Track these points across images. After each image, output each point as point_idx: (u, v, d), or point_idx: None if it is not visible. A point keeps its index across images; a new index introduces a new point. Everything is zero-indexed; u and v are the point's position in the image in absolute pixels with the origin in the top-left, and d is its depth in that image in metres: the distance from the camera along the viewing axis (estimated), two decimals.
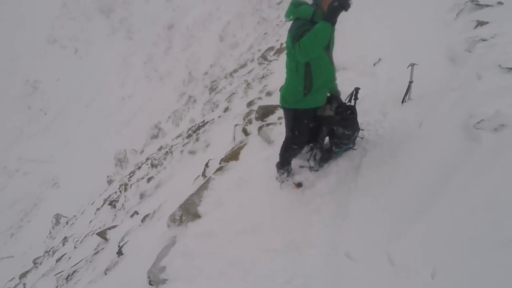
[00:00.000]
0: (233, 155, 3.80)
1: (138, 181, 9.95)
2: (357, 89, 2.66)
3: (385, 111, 3.10)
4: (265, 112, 4.52)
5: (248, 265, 2.19)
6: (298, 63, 2.15)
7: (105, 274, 3.94)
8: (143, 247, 3.50)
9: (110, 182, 17.57)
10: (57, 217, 16.10)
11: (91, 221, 10.03)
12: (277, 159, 2.82)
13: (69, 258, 7.06)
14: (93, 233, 7.19)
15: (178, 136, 13.48)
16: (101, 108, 41.15)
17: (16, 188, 33.04)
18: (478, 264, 1.26)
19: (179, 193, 4.14)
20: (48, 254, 10.53)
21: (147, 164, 12.09)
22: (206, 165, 4.44)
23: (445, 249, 1.44)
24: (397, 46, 4.20)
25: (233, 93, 10.54)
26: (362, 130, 2.81)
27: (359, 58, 4.35)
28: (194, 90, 27.16)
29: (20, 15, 49.94)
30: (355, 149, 2.77)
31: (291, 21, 2.11)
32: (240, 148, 3.98)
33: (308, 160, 2.86)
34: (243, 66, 16.32)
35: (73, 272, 5.46)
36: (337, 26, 2.01)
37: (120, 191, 10.86)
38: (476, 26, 3.37)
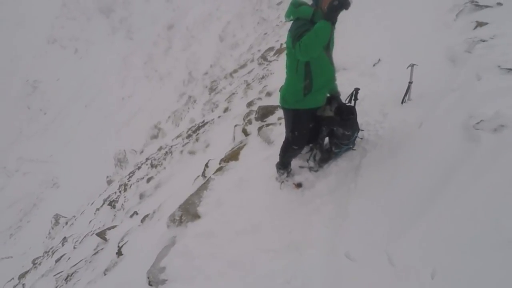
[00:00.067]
0: (233, 156, 3.80)
1: (138, 181, 9.95)
2: (357, 90, 2.66)
3: (385, 112, 3.10)
4: (265, 112, 4.52)
5: (248, 265, 2.19)
6: (298, 63, 2.15)
7: (105, 274, 3.94)
8: (143, 247, 3.50)
9: (109, 182, 17.56)
10: (57, 217, 16.09)
11: (90, 221, 10.03)
12: (277, 159, 2.82)
13: (69, 259, 7.06)
14: (93, 234, 7.18)
15: (178, 136, 13.47)
16: (101, 108, 41.14)
17: (16, 188, 33.00)
18: (478, 264, 1.26)
19: (178, 193, 4.14)
20: (47, 255, 10.52)
21: (146, 164, 12.09)
22: (206, 165, 4.44)
23: (445, 249, 1.44)
24: (397, 47, 4.21)
25: (233, 94, 10.54)
26: (362, 130, 2.82)
27: (359, 59, 4.36)
28: (194, 90, 27.17)
29: (20, 15, 49.91)
30: (355, 150, 2.77)
31: (291, 22, 2.11)
32: (240, 148, 3.98)
33: (308, 161, 2.86)
34: (243, 66, 16.33)
35: (73, 272, 5.45)
36: (337, 26, 2.01)
37: (120, 191, 10.85)
38: (475, 27, 3.37)
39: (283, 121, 2.73)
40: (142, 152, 21.12)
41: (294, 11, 2.07)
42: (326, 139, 2.74)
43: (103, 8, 50.83)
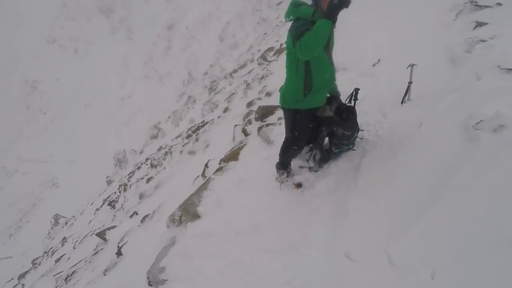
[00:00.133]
0: (233, 156, 3.80)
1: (138, 181, 9.95)
2: (356, 90, 2.67)
3: (385, 112, 3.10)
4: (264, 112, 4.52)
5: (248, 265, 2.19)
6: (298, 63, 2.15)
7: (104, 274, 3.93)
8: (143, 247, 3.50)
9: (109, 182, 17.56)
10: (56, 218, 16.09)
11: (90, 221, 10.03)
12: (276, 159, 2.82)
13: (68, 259, 7.05)
14: (92, 234, 7.18)
15: (177, 137, 13.47)
16: (101, 108, 41.15)
17: (15, 188, 32.99)
18: (478, 264, 1.26)
19: (178, 193, 4.14)
20: (47, 255, 10.52)
21: (146, 165, 12.09)
22: (206, 165, 4.43)
23: (445, 249, 1.44)
24: (397, 47, 4.21)
25: (233, 94, 10.54)
26: (361, 130, 2.82)
27: (359, 59, 4.36)
28: (193, 90, 27.19)
29: (20, 15, 49.89)
30: (354, 150, 2.78)
31: (291, 22, 2.11)
32: (240, 148, 3.98)
33: (307, 161, 2.86)
34: (242, 66, 16.33)
35: (72, 272, 5.44)
36: (337, 26, 2.01)
37: (120, 192, 10.86)
38: (475, 27, 3.38)
39: (283, 121, 2.73)
40: (142, 152, 21.13)
41: (294, 11, 2.07)
42: (326, 139, 2.74)
43: (103, 8, 50.83)
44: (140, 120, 33.70)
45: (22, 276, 9.89)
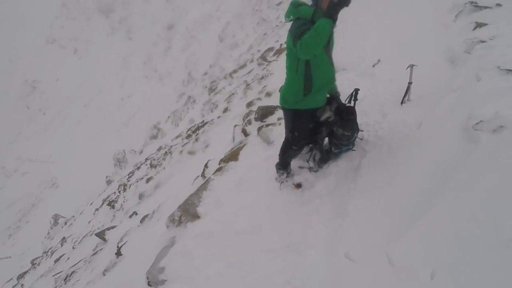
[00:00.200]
0: (233, 156, 3.80)
1: (137, 181, 9.94)
2: (356, 90, 2.67)
3: (385, 112, 3.10)
4: (264, 112, 4.52)
5: (248, 265, 2.19)
6: (298, 64, 2.15)
7: (104, 275, 3.93)
8: (142, 247, 3.50)
9: (109, 182, 17.55)
10: (56, 218, 16.08)
11: (89, 221, 10.03)
12: (276, 159, 2.82)
13: (68, 259, 7.04)
14: (92, 234, 7.17)
15: (177, 137, 13.47)
16: (100, 108, 41.14)
17: (15, 188, 32.97)
18: (478, 264, 1.26)
19: (178, 193, 4.14)
20: (46, 255, 10.51)
21: (146, 165, 12.09)
22: (206, 165, 4.43)
23: (445, 249, 1.44)
24: (396, 47, 4.21)
25: (233, 94, 10.54)
26: (361, 131, 2.82)
27: (358, 59, 4.36)
28: (193, 91, 27.19)
29: (19, 15, 49.87)
30: (354, 150, 2.78)
31: (291, 22, 2.12)
32: (240, 148, 3.98)
33: (307, 161, 2.86)
34: (242, 66, 16.34)
35: (72, 272, 5.44)
36: (337, 26, 2.01)
37: (119, 192, 10.86)
38: (475, 28, 3.38)
39: (282, 122, 2.73)
40: (141, 152, 21.12)
41: (294, 11, 2.07)
42: (326, 140, 2.74)
43: (102, 8, 50.83)
44: (139, 120, 33.70)
45: (21, 276, 9.88)
